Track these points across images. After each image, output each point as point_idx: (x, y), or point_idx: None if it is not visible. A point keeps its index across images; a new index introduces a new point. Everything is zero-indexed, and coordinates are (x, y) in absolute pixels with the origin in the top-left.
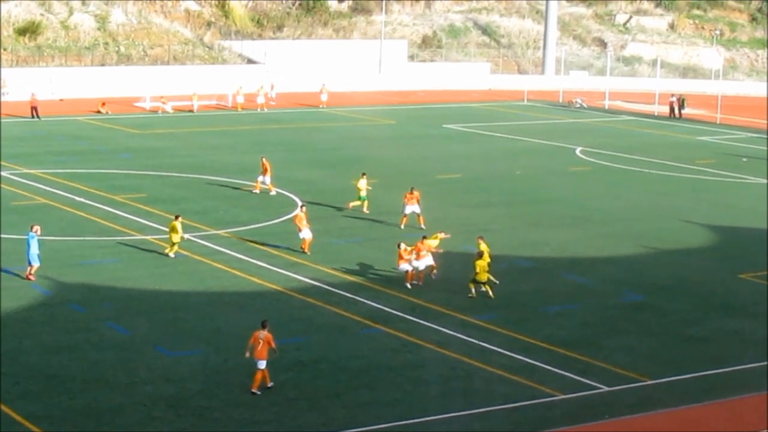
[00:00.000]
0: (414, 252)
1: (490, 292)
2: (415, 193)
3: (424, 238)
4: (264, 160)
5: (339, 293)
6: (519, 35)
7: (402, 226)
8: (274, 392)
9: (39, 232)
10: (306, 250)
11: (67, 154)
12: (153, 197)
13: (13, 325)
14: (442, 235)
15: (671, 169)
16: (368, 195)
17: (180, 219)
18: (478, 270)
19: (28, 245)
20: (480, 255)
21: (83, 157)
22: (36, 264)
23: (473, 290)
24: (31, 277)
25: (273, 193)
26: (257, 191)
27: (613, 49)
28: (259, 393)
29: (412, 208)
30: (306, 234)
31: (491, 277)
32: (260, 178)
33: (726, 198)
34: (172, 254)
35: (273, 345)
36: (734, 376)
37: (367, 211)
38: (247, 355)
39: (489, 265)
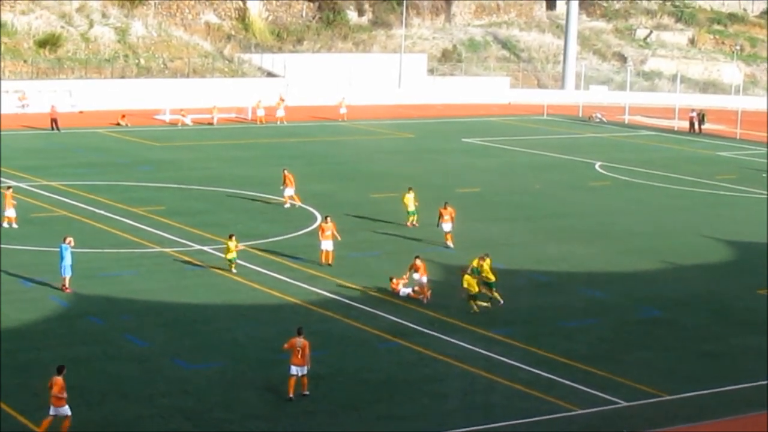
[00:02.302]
0: (413, 270)
1: (475, 307)
2: (449, 208)
3: (417, 257)
4: (286, 172)
5: (358, 307)
6: (539, 49)
7: (450, 245)
8: (292, 405)
9: (72, 244)
10: (322, 262)
11: (87, 167)
12: (172, 210)
13: (31, 336)
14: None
15: (691, 184)
16: (417, 209)
17: (234, 238)
18: (466, 285)
19: (62, 257)
20: (465, 270)
21: (102, 170)
22: (68, 275)
23: (486, 303)
24: (67, 288)
25: (287, 206)
26: (297, 203)
27: (633, 64)
28: (304, 394)
29: (447, 227)
30: (322, 245)
31: (497, 296)
32: (286, 192)
33: (746, 213)
34: (234, 270)
35: (307, 353)
36: (752, 392)
37: (416, 225)
38: (285, 347)
39: (495, 283)
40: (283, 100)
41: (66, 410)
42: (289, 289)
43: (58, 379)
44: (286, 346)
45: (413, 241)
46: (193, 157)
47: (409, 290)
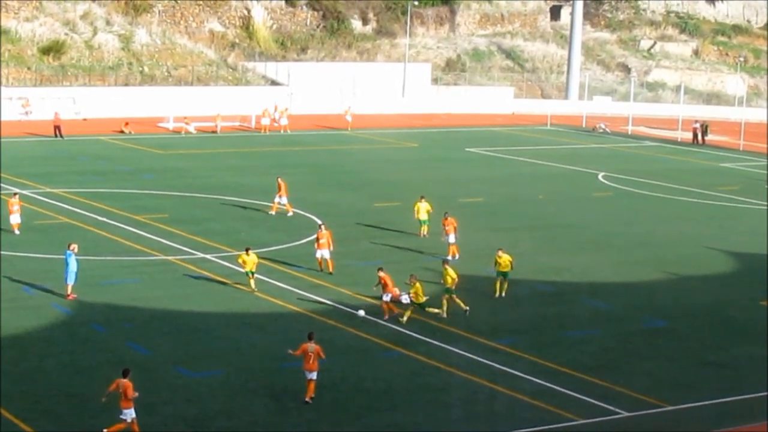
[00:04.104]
0: (382, 284)
1: (406, 317)
2: (450, 219)
3: (380, 269)
4: (280, 180)
5: (356, 315)
6: (543, 60)
7: (452, 257)
8: (294, 414)
9: (76, 250)
10: (321, 268)
11: (90, 174)
12: (175, 218)
13: (34, 344)
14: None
15: (694, 195)
16: (429, 218)
17: (250, 251)
18: (416, 292)
19: (67, 264)
20: (414, 277)
21: (106, 177)
22: (71, 282)
23: (438, 310)
24: (70, 295)
25: (290, 213)
26: (273, 212)
27: (637, 75)
28: (306, 401)
29: (450, 239)
30: (317, 254)
31: (461, 303)
32: (277, 199)
33: (748, 225)
34: (254, 287)
35: (323, 356)
36: (754, 402)
37: (426, 235)
38: (289, 351)
39: (454, 290)
40: (284, 110)
41: (132, 413)
42: (292, 298)
43: (126, 382)
44: (297, 352)
45: (417, 251)
46: (196, 165)
47: (408, 295)
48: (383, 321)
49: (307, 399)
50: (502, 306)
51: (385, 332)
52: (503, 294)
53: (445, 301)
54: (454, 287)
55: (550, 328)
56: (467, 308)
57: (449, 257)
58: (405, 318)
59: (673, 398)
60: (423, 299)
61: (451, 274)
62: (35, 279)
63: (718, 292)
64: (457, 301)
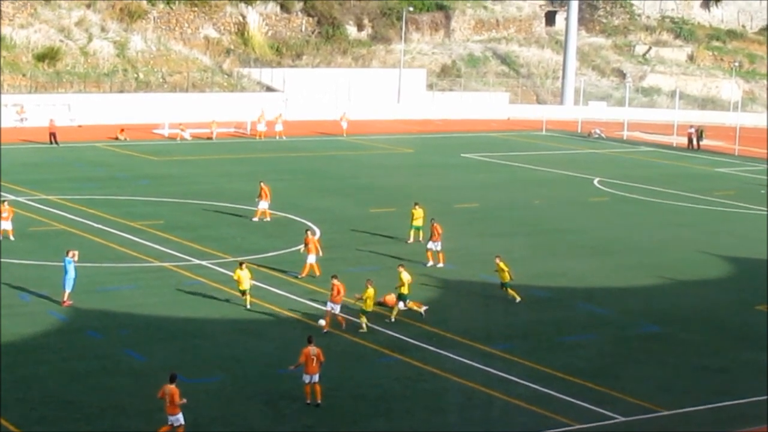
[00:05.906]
0: (334, 291)
1: (364, 326)
2: (436, 225)
3: (334, 276)
4: (262, 184)
5: (356, 321)
6: (538, 65)
7: (430, 263)
8: (290, 420)
9: (76, 257)
10: (315, 274)
11: (85, 181)
12: (171, 224)
13: (30, 351)
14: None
15: (689, 200)
16: (424, 224)
17: (245, 266)
18: (365, 297)
19: (66, 270)
20: (369, 282)
21: (101, 184)
22: (68, 289)
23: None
24: (66, 302)
25: (256, 219)
26: (268, 218)
27: (632, 80)
28: (312, 402)
29: (434, 246)
30: (305, 258)
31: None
32: (260, 204)
33: (744, 229)
34: (248, 305)
35: (322, 359)
36: (750, 407)
37: (422, 241)
38: (291, 367)
39: (407, 296)
40: (279, 116)
41: (180, 418)
42: (288, 304)
43: (173, 388)
44: (300, 359)
45: (411, 258)
46: (192, 172)
47: (403, 302)
48: (326, 331)
49: (318, 401)
50: (497, 311)
51: (381, 338)
52: (518, 299)
53: (396, 307)
54: (408, 292)
55: (546, 333)
56: (394, 319)
57: (438, 264)
58: (365, 326)
59: (669, 403)
60: (370, 308)
61: (404, 279)
62: (31, 286)
63: (714, 297)
64: (413, 306)
